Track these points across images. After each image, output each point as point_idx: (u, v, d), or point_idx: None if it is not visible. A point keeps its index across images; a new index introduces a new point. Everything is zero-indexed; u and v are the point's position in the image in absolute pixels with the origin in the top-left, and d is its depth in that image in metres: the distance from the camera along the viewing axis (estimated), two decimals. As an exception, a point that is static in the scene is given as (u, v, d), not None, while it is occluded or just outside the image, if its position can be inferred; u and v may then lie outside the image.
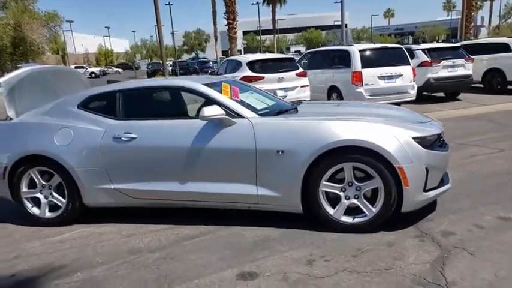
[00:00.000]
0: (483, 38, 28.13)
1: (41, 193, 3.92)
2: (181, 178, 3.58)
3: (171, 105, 4.15)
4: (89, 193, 3.77)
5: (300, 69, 9.58)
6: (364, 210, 3.24)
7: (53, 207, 3.94)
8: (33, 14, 24.49)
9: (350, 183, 3.24)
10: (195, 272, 2.85)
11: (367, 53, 9.50)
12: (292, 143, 3.26)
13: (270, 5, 42.97)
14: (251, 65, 9.40)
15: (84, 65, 48.68)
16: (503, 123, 7.43)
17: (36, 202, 3.96)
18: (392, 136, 3.14)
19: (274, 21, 42.96)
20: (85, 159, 3.71)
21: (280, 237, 3.29)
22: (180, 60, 42.04)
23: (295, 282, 2.62)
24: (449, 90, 11.47)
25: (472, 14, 73.57)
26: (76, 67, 38.34)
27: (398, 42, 42.59)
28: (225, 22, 18.08)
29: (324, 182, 3.25)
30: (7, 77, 4.13)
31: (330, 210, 3.29)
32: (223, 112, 3.41)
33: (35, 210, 3.95)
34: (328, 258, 2.89)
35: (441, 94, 11.78)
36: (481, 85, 12.29)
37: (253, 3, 44.32)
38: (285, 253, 3.02)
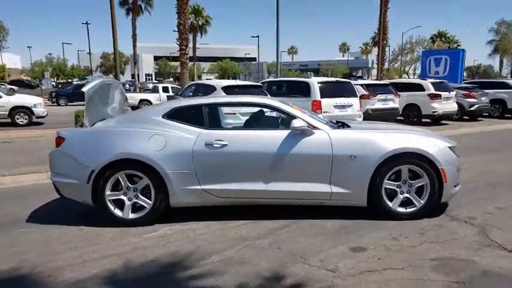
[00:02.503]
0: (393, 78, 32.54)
1: (125, 195, 4.20)
2: (265, 179, 4.23)
3: (255, 118, 4.80)
4: (177, 194, 4.18)
5: (268, 96, 10.58)
6: (415, 202, 4.26)
7: (135, 208, 4.23)
8: None
9: (404, 181, 4.25)
10: (314, 249, 3.53)
11: (324, 85, 10.91)
12: (363, 150, 4.17)
13: (192, 33, 44.09)
14: (226, 89, 10.14)
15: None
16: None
17: (118, 204, 4.22)
18: (435, 145, 4.26)
19: (194, 49, 43.99)
20: (177, 163, 4.14)
21: (354, 225, 4.13)
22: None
23: (397, 251, 3.48)
24: (382, 120, 13.48)
25: (364, 57, 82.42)
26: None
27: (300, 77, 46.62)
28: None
29: (386, 181, 4.21)
30: (87, 88, 4.38)
31: (389, 203, 4.25)
32: (306, 124, 4.22)
33: (117, 212, 4.20)
34: (406, 236, 3.81)
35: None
36: (401, 117, 14.67)
37: (174, 30, 44.74)
38: (369, 234, 3.86)
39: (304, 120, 4.27)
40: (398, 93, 13.70)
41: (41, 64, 51.11)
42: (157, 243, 3.75)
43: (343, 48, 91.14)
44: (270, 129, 4.39)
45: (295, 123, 4.14)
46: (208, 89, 10.58)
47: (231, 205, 4.40)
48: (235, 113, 6.47)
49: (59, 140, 4.29)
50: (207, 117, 4.39)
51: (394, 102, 13.33)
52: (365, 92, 12.84)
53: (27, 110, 13.98)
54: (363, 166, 4.15)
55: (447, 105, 14.36)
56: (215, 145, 4.18)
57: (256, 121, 4.77)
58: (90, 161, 4.12)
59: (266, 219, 4.31)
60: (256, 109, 4.86)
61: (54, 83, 45.71)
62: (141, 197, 4.21)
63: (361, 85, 13.12)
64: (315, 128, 4.29)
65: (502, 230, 3.94)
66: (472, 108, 15.65)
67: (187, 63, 17.75)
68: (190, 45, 45.15)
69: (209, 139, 4.20)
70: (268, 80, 14.25)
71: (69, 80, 47.85)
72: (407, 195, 4.27)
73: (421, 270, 3.10)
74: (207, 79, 56.79)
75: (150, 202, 4.19)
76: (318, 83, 10.81)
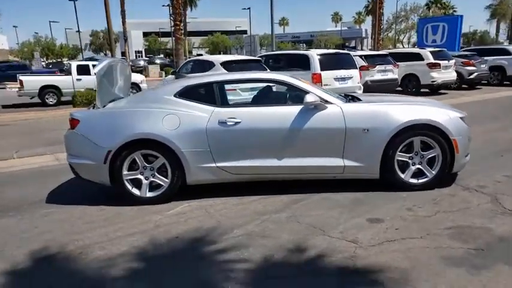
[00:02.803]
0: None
1: (142, 174, 4.26)
2: (279, 155, 4.29)
3: (263, 94, 4.80)
4: (193, 172, 4.24)
5: (268, 71, 10.52)
6: (427, 173, 4.35)
7: (152, 187, 4.29)
8: None
9: (416, 153, 4.33)
10: (332, 222, 3.63)
11: (324, 57, 10.84)
12: (375, 123, 4.22)
13: (182, 7, 43.15)
14: (225, 65, 10.08)
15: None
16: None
17: (135, 183, 4.28)
18: (447, 116, 4.31)
19: (185, 24, 43.17)
20: (192, 142, 4.18)
21: (366, 197, 4.22)
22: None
23: (414, 220, 3.59)
24: (381, 91, 13.50)
25: (357, 27, 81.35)
26: None
27: (294, 49, 46.07)
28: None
29: (399, 153, 4.28)
30: (97, 69, 4.36)
31: (402, 175, 4.34)
32: (319, 98, 4.24)
33: (135, 191, 4.26)
34: (420, 206, 3.92)
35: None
36: (400, 88, 14.67)
37: (163, 5, 43.87)
38: (383, 206, 3.96)
39: (316, 94, 4.29)
40: (397, 63, 13.67)
41: (30, 44, 49.99)
42: (178, 220, 3.84)
43: (336, 18, 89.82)
44: (281, 105, 4.42)
45: (308, 98, 4.17)
46: (207, 65, 10.52)
47: (245, 181, 4.48)
48: (235, 89, 6.48)
49: (74, 122, 4.30)
50: (218, 95, 4.40)
51: (394, 73, 13.32)
52: (364, 64, 12.80)
53: (135, 86, 15.46)
54: (376, 139, 4.21)
55: (446, 74, 14.37)
56: (228, 123, 4.21)
57: (265, 97, 4.78)
58: (106, 142, 4.14)
59: (279, 194, 4.39)
60: (263, 85, 4.86)
61: (44, 63, 44.90)
62: (158, 175, 4.26)
63: (360, 56, 13.05)
64: (327, 102, 4.32)
65: (511, 196, 4.06)
66: (471, 77, 15.68)
67: (182, 39, 17.46)
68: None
69: (222, 117, 4.23)
70: (266, 53, 14.11)
71: (59, 60, 46.98)
72: (419, 166, 4.35)
73: (439, 238, 3.21)
74: (197, 54, 56.16)
75: (166, 180, 4.25)
76: (318, 55, 10.76)
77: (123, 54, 59.92)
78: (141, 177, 4.26)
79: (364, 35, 72.55)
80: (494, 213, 3.66)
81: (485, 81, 17.06)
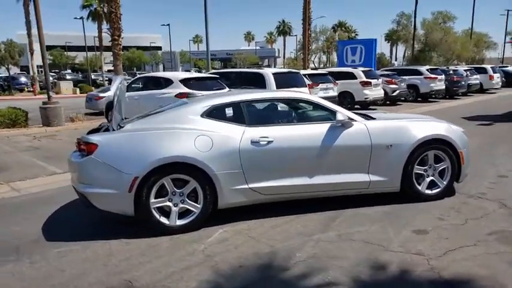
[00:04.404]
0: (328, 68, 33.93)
1: (170, 201, 3.92)
2: (309, 173, 4.28)
3: (293, 112, 4.74)
4: (225, 195, 4.02)
5: (227, 89, 10.46)
6: (439, 183, 4.67)
7: (180, 214, 3.97)
8: None
9: (430, 166, 4.64)
10: (382, 236, 3.70)
11: (278, 76, 11.15)
12: (397, 139, 4.45)
13: (96, 22, 40.79)
14: (184, 82, 9.81)
15: None
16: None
17: (162, 211, 3.92)
18: (453, 131, 4.71)
19: (100, 39, 40.79)
20: (225, 163, 3.97)
21: (394, 210, 4.39)
22: None
23: (454, 229, 3.82)
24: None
25: (269, 46, 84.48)
26: None
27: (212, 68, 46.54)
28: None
29: (416, 166, 4.55)
30: (113, 89, 3.97)
31: (419, 187, 4.60)
32: (347, 116, 4.35)
33: (163, 220, 3.90)
34: (447, 215, 4.19)
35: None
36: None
37: (76, 18, 41.08)
38: (416, 217, 4.15)
39: (344, 113, 4.39)
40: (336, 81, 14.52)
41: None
42: (227, 248, 3.59)
43: (249, 37, 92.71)
44: (309, 123, 4.43)
45: (339, 116, 4.26)
46: (163, 82, 10.17)
47: (274, 202, 4.37)
48: None
49: (91, 147, 3.81)
50: (247, 114, 4.27)
51: (334, 90, 14.12)
52: (309, 82, 13.36)
53: None
54: (398, 154, 4.43)
55: (376, 91, 15.66)
56: (261, 142, 4.10)
57: (295, 115, 4.75)
58: (131, 168, 3.75)
59: (306, 212, 4.35)
60: (279, 103, 4.85)
61: None
62: (188, 201, 3.96)
63: (304, 75, 13.60)
64: (353, 120, 4.44)
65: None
66: (394, 94, 17.25)
67: (120, 54, 16.53)
68: (95, 33, 42.11)
69: (254, 136, 4.10)
70: (218, 71, 14.04)
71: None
72: (432, 178, 4.66)
73: (491, 244, 3.47)
74: (108, 70, 53.35)
75: (198, 206, 3.97)
76: (273, 74, 11.00)
77: (23, 68, 54.39)
78: (170, 204, 3.92)
79: (277, 55, 75.81)
80: (513, 216, 4.08)
81: (403, 98, 18.90)
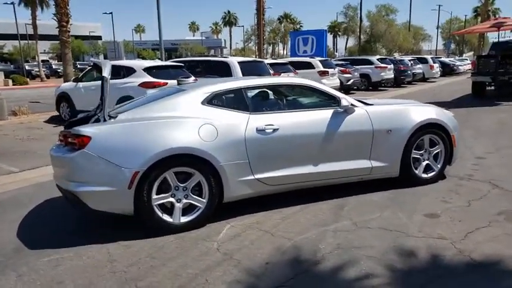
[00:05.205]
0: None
1: (173, 197, 3.58)
2: (313, 161, 4.12)
3: (294, 99, 4.52)
4: (232, 187, 3.75)
5: (192, 77, 10.01)
6: (434, 167, 4.72)
7: (183, 210, 3.65)
8: None
9: (426, 150, 4.66)
10: (398, 222, 3.63)
11: (243, 64, 10.89)
12: (396, 124, 4.41)
13: (29, 8, 37.54)
14: (148, 70, 9.26)
15: None
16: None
17: (164, 208, 3.57)
18: (445, 115, 4.77)
19: (35, 26, 37.56)
20: (231, 153, 3.70)
21: (396, 196, 4.35)
22: None
23: (462, 211, 3.84)
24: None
25: (215, 37, 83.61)
26: None
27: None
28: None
29: (414, 150, 4.55)
30: (106, 73, 3.53)
31: (416, 171, 4.62)
32: (350, 102, 4.24)
33: (166, 218, 3.55)
34: (450, 198, 4.23)
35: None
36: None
37: (6, 3, 37.54)
38: (421, 201, 4.15)
39: (347, 99, 4.28)
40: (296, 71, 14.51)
41: None
42: (242, 244, 3.34)
43: (193, 27, 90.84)
44: (312, 110, 4.26)
45: (343, 102, 4.14)
46: (125, 71, 9.53)
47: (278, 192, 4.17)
48: None
49: (83, 140, 3.35)
50: (249, 101, 4.01)
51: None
52: (272, 71, 13.21)
53: None
54: (398, 139, 4.40)
55: (333, 80, 15.85)
56: (267, 130, 3.87)
57: (298, 101, 4.54)
58: (131, 162, 3.36)
59: (311, 202, 4.20)
60: (277, 89, 4.63)
61: None
62: (193, 196, 3.64)
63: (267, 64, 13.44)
64: (354, 106, 4.34)
65: (504, 180, 4.70)
66: (349, 83, 17.65)
67: (69, 41, 15.25)
68: (28, 21, 38.83)
69: (259, 124, 3.86)
70: (182, 59, 13.46)
71: None
72: (427, 161, 4.70)
73: (503, 224, 3.52)
74: (42, 60, 49.71)
75: (203, 200, 3.66)
76: (238, 62, 10.72)
77: None
78: (173, 199, 3.58)
79: (223, 45, 75.03)
80: (510, 197, 4.19)
81: (356, 87, 19.41)
